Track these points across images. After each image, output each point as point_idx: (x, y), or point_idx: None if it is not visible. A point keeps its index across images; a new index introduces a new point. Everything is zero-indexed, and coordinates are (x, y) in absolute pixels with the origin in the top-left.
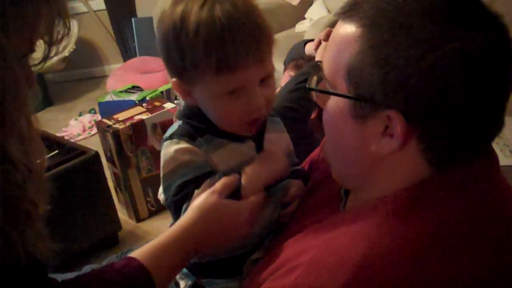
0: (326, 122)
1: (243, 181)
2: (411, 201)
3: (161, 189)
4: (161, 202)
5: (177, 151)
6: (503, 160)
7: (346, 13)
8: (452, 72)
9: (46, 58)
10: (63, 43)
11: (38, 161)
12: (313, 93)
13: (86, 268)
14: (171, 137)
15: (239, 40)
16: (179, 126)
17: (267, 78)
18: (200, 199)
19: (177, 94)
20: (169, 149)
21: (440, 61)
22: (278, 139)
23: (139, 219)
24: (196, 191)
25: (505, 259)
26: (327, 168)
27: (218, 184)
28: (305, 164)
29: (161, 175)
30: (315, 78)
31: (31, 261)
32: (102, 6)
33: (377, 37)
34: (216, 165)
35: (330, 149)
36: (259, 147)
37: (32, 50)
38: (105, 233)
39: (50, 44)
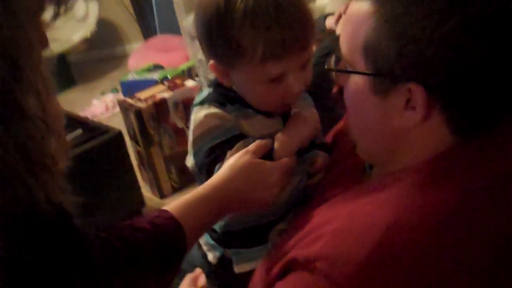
0: (348, 101)
1: (276, 144)
2: (436, 171)
3: (189, 155)
4: (190, 167)
5: (207, 116)
6: None
7: None
8: (468, 39)
9: (56, 15)
10: (81, 10)
11: (56, 120)
12: (333, 73)
13: None
14: (201, 103)
15: (286, 29)
16: (209, 93)
17: (307, 61)
18: (233, 158)
19: (198, 70)
20: (199, 114)
21: (455, 29)
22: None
23: (162, 196)
24: (229, 152)
25: None
26: (350, 141)
27: (252, 146)
28: (328, 137)
29: (191, 139)
30: (333, 58)
31: (55, 211)
32: None
33: (391, 11)
34: (245, 131)
35: (354, 127)
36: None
37: (42, 8)
38: (130, 210)
39: (58, 3)
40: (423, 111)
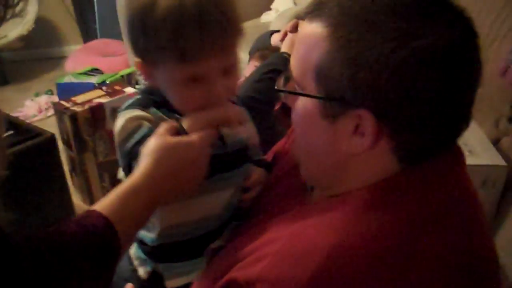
0: (295, 123)
1: (185, 124)
2: (379, 196)
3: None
4: (120, 178)
5: (128, 120)
6: None
7: (312, 13)
8: (421, 69)
9: (1, 20)
10: (20, 6)
11: None
12: (282, 94)
13: None
14: (125, 108)
15: (205, 31)
16: (137, 98)
17: (231, 68)
18: (147, 146)
19: (138, 77)
20: (120, 119)
21: (408, 59)
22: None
23: (93, 204)
24: None
25: (468, 250)
26: (292, 160)
27: (161, 128)
28: (269, 156)
29: (116, 146)
30: (283, 78)
31: None
32: None
33: (345, 36)
34: None
35: (300, 149)
36: (220, 136)
37: None
38: (58, 218)
39: (5, 6)
40: (372, 138)
